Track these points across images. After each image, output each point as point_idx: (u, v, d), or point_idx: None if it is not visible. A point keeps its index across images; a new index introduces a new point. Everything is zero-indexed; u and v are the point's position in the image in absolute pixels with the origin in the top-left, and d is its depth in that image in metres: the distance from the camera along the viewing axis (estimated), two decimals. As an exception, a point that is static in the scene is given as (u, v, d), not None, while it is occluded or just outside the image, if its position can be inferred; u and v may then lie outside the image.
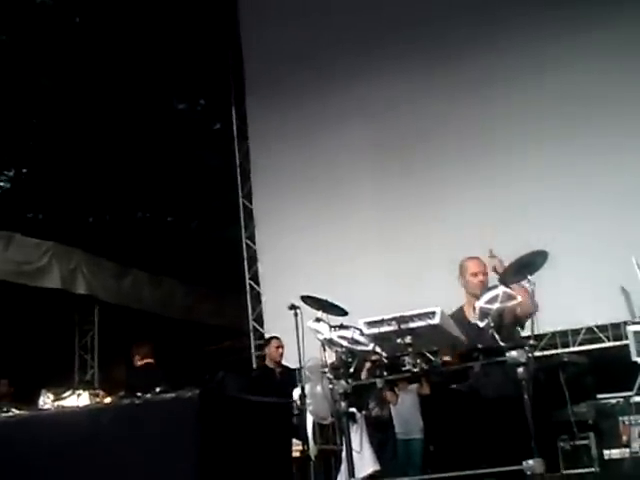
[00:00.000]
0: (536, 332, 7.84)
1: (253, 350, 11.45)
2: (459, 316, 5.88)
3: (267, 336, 10.22)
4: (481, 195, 10.07)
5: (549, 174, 9.80)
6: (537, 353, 8.67)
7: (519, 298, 5.25)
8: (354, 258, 10.51)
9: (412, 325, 5.19)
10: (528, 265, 5.34)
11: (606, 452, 6.76)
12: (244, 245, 11.77)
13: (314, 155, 11.23)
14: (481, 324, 5.27)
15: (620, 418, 6.86)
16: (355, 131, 10.97)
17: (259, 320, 11.48)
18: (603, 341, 8.95)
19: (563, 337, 9.34)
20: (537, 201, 9.73)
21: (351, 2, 11.22)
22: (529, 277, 5.33)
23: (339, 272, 10.38)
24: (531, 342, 5.21)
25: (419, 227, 10.31)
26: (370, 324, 5.37)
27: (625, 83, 9.67)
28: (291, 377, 8.54)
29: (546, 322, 8.52)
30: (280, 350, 8.93)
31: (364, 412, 7.00)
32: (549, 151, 9.88)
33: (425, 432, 7.09)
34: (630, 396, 6.39)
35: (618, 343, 6.73)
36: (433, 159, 10.49)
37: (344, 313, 6.04)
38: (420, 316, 5.19)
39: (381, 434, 7.36)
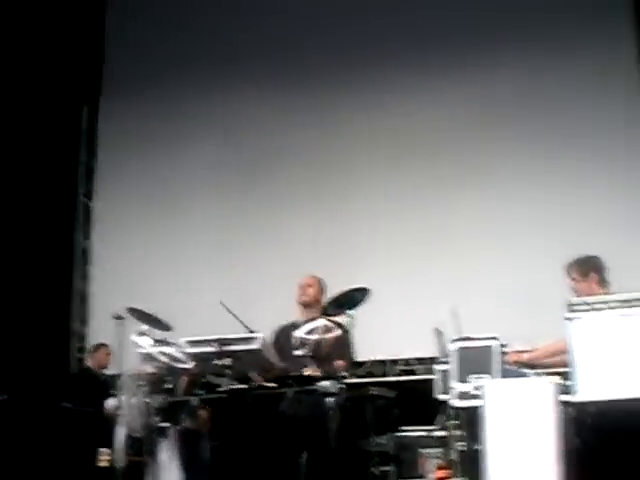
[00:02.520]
0: (358, 359, 8.35)
1: (74, 353, 11.24)
2: (289, 328, 6.18)
3: (94, 342, 10.10)
4: (316, 218, 10.35)
5: (379, 209, 10.14)
6: (354, 380, 9.14)
7: (338, 332, 5.55)
8: (189, 273, 10.55)
9: (233, 348, 5.41)
10: (349, 300, 5.65)
11: (407, 484, 7.13)
12: (78, 245, 11.58)
13: (160, 165, 11.18)
14: (299, 353, 5.54)
15: (420, 450, 7.27)
16: (202, 144, 11.00)
17: (84, 324, 11.33)
18: (417, 374, 9.51)
19: (381, 366, 9.82)
20: (366, 235, 10.07)
21: (217, 18, 11.31)
22: (349, 311, 5.63)
23: (172, 286, 10.38)
24: (343, 374, 5.50)
25: (257, 245, 10.42)
26: (192, 343, 5.56)
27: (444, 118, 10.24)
28: (110, 385, 8.56)
29: (367, 350, 9.02)
30: (109, 357, 8.93)
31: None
32: (381, 186, 10.21)
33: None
34: (431, 430, 6.77)
35: (429, 377, 7.12)
36: (274, 177, 10.63)
37: (168, 329, 6.17)
38: (241, 340, 5.41)
39: (191, 447, 7.43)
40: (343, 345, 6.02)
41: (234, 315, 6.02)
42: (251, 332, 5.72)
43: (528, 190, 9.68)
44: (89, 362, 9.44)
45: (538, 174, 9.72)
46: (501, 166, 9.91)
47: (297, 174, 10.57)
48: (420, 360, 9.54)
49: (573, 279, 6.07)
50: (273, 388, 5.61)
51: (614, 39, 9.77)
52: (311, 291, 6.47)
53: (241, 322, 5.98)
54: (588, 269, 6.06)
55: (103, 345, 9.08)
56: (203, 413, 6.41)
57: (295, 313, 6.57)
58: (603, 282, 6.04)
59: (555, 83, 9.92)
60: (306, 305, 6.47)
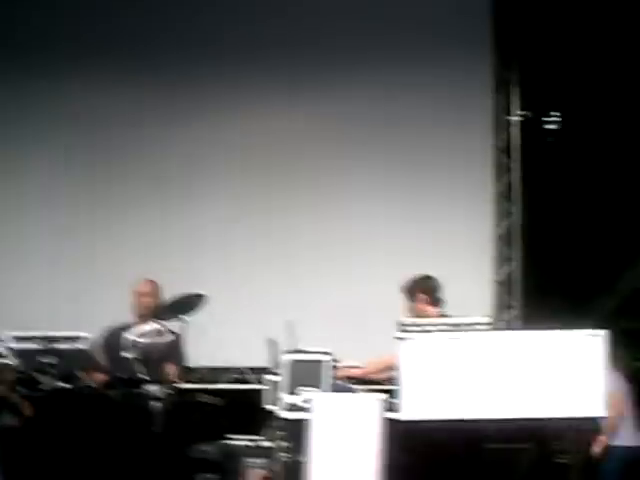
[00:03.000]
0: (191, 365, 8.29)
1: None
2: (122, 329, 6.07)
3: None
4: (155, 220, 10.12)
5: (221, 216, 10.03)
6: (184, 386, 9.09)
7: (170, 337, 5.51)
8: (22, 269, 10.11)
9: (59, 346, 5.29)
10: (184, 305, 5.62)
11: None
12: None
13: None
14: (129, 355, 5.47)
15: (245, 459, 7.27)
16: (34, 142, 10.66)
17: None
18: (249, 383, 9.50)
19: (214, 374, 9.71)
20: (205, 241, 9.95)
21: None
22: (183, 317, 5.60)
23: (3, 281, 9.99)
24: (173, 379, 5.46)
25: (91, 244, 10.11)
26: (17, 339, 5.41)
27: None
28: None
29: (201, 357, 8.98)
30: None
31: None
32: (224, 193, 10.14)
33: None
34: (257, 440, 6.77)
35: (259, 387, 7.14)
36: (111, 176, 10.32)
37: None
38: (68, 338, 5.30)
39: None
40: (174, 350, 5.98)
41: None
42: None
43: (368, 208, 9.82)
44: None
45: (378, 193, 9.87)
46: (342, 184, 9.97)
47: (136, 173, 10.32)
48: (253, 370, 9.57)
49: (410, 299, 6.23)
50: (99, 389, 5.52)
51: (471, 67, 9.98)
52: (145, 301, 6.41)
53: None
54: (416, 290, 6.24)
55: None
56: (26, 410, 6.26)
57: (127, 315, 6.48)
58: (435, 302, 6.22)
59: (409, 104, 10.07)
60: (141, 315, 6.41)
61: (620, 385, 8.26)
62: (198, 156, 10.26)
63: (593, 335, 5.08)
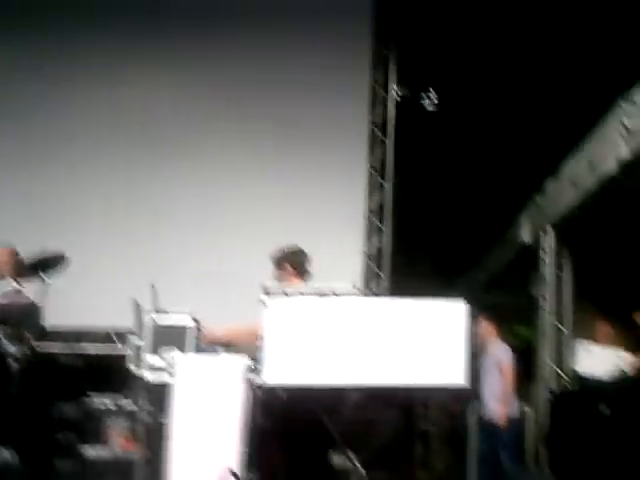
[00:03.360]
0: (55, 325, 8.16)
1: None
2: None
3: None
4: (21, 178, 9.98)
5: (89, 176, 9.98)
6: (46, 347, 8.99)
7: (30, 296, 5.45)
8: None
9: None
10: (44, 265, 5.55)
11: (89, 450, 7.09)
12: None
13: None
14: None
15: (107, 420, 7.27)
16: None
17: None
18: (113, 344, 9.42)
19: (77, 336, 9.55)
20: (69, 201, 9.87)
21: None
22: (44, 275, 5.54)
23: None
24: (31, 339, 5.40)
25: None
26: None
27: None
28: None
29: (65, 318, 8.88)
30: None
31: None
32: (94, 154, 10.06)
33: None
34: (120, 401, 6.78)
35: (123, 349, 7.10)
36: None
37: None
38: None
39: None
40: (34, 310, 5.88)
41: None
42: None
43: (241, 177, 9.90)
44: None
45: (252, 162, 9.94)
46: (215, 152, 10.03)
47: (7, 129, 10.12)
48: (116, 332, 9.53)
49: (279, 269, 6.29)
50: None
51: (351, 43, 10.18)
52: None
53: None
54: (283, 261, 6.30)
55: None
56: None
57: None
58: (301, 274, 6.29)
59: (286, 77, 10.19)
60: None
61: (509, 356, 8.60)
62: (62, 118, 10.13)
63: (455, 306, 5.20)
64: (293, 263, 6.28)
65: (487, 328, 8.71)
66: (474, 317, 5.29)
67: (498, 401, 8.22)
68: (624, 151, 7.66)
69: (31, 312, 5.81)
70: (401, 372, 5.11)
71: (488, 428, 8.44)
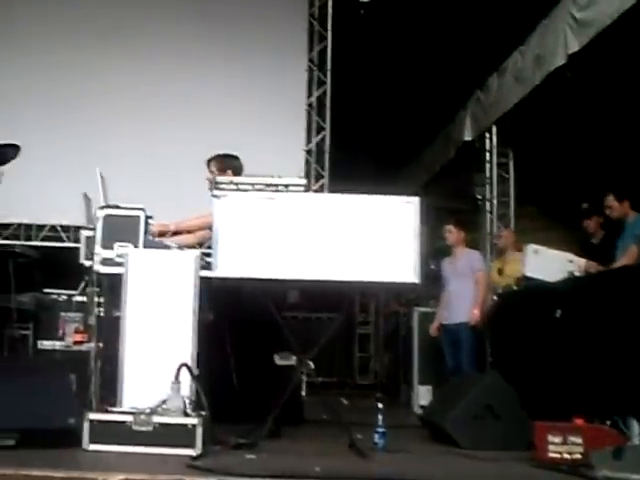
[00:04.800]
0: (4, 221, 8.13)
1: None
2: None
3: None
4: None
5: (39, 67, 9.98)
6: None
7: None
8: None
9: None
10: (-3, 155, 5.54)
11: (43, 342, 7.18)
12: None
13: None
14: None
15: (61, 314, 7.35)
16: None
17: None
18: (64, 240, 9.54)
19: (27, 230, 9.72)
20: (21, 92, 9.88)
21: None
22: (-2, 167, 5.54)
23: None
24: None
25: None
26: None
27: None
28: None
29: (15, 213, 8.87)
30: None
31: None
32: (42, 43, 10.04)
33: None
34: (73, 295, 6.84)
35: (74, 245, 7.14)
36: None
37: None
38: None
39: None
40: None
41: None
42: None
43: (188, 70, 10.00)
44: None
45: (197, 56, 10.05)
46: (165, 45, 10.09)
47: None
48: (65, 228, 9.58)
49: (211, 172, 6.31)
50: None
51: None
52: None
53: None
54: (228, 166, 6.33)
55: None
56: None
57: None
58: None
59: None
60: None
61: (483, 263, 8.66)
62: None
63: (406, 202, 5.20)
64: (231, 169, 6.31)
65: (456, 234, 8.54)
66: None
67: (473, 305, 8.18)
68: (573, 44, 7.66)
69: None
70: (351, 267, 5.14)
71: (452, 337, 8.38)
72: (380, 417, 5.38)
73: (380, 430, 5.35)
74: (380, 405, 5.50)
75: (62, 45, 9.94)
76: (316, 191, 9.95)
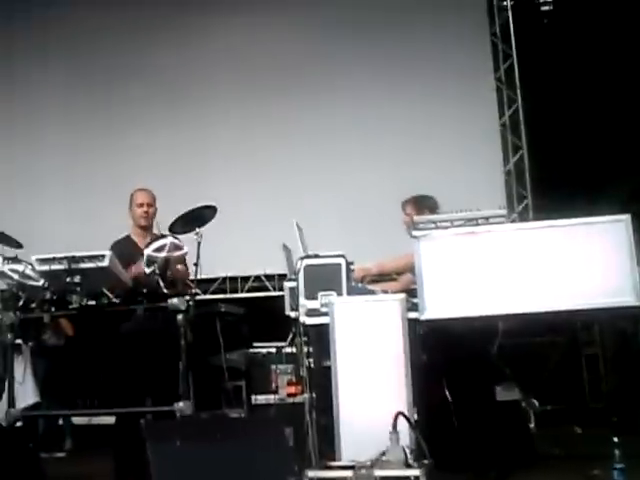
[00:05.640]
0: (210, 276, 8.34)
1: None
2: (128, 244, 6.21)
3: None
4: (166, 135, 10.34)
5: (231, 130, 10.25)
6: (204, 296, 9.23)
7: (186, 249, 5.55)
8: (40, 191, 10.44)
9: (82, 265, 5.37)
10: (197, 218, 5.68)
11: (257, 397, 7.26)
12: None
13: (10, 81, 10.87)
14: (147, 270, 5.52)
15: (272, 366, 7.41)
16: (50, 61, 10.78)
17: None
18: (269, 290, 9.71)
19: (233, 283, 10.00)
20: (216, 154, 10.21)
21: None
22: (197, 229, 5.65)
23: (22, 205, 10.24)
24: (193, 291, 5.52)
25: (99, 163, 10.32)
26: (42, 261, 5.48)
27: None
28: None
29: (218, 267, 9.09)
30: None
31: (31, 344, 7.05)
32: (233, 105, 10.30)
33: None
34: (283, 346, 6.86)
35: (279, 294, 7.20)
36: (125, 97, 10.56)
37: (18, 246, 6.12)
38: (90, 258, 5.36)
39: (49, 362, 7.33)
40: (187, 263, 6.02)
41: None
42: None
43: (376, 111, 9.93)
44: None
45: (385, 95, 9.96)
46: (349, 87, 10.08)
47: (144, 94, 10.50)
48: (269, 277, 9.74)
49: (408, 214, 6.19)
50: (123, 305, 5.59)
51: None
52: (150, 211, 6.41)
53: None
54: (424, 207, 6.19)
55: None
56: (66, 327, 6.34)
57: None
58: None
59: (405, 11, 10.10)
60: (144, 227, 6.46)
61: None
62: (200, 72, 10.45)
63: (615, 221, 4.98)
64: (429, 209, 6.17)
65: None
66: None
67: None
68: None
69: (187, 264, 5.94)
70: (564, 296, 4.92)
71: None
72: (617, 452, 5.03)
73: (618, 466, 5.00)
74: (615, 439, 5.14)
75: (251, 104, 10.21)
76: (520, 213, 9.70)
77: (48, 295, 5.67)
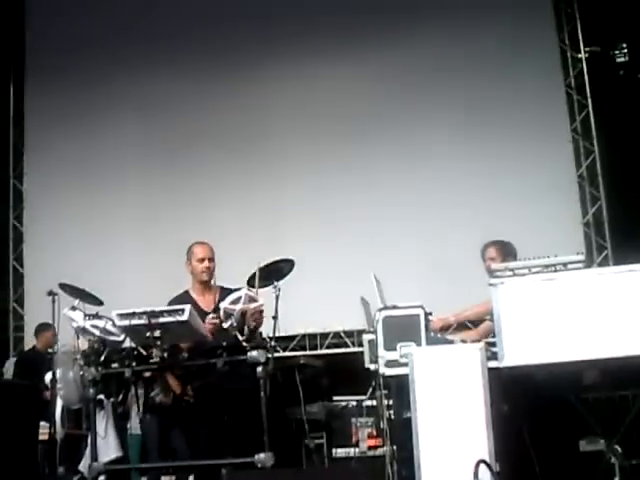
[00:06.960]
0: (289, 333, 8.39)
1: (12, 331, 11.31)
2: (187, 301, 6.10)
3: (30, 320, 10.31)
4: (239, 193, 10.59)
5: (306, 185, 10.44)
6: (283, 353, 9.27)
7: (261, 301, 5.61)
8: (118, 249, 10.70)
9: (162, 320, 5.45)
10: (275, 272, 5.73)
11: (338, 450, 7.24)
12: (11, 225, 11.59)
13: (88, 143, 11.21)
14: (225, 325, 5.59)
15: (352, 419, 7.38)
16: (127, 123, 11.12)
17: (20, 302, 11.34)
18: (348, 345, 9.70)
19: (312, 340, 10.01)
20: (291, 209, 10.39)
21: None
22: (276, 283, 5.71)
23: (102, 262, 10.48)
24: (272, 343, 5.56)
25: (181, 220, 10.49)
26: (122, 316, 5.59)
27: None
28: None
29: (297, 324, 9.15)
30: (55, 337, 8.82)
31: (112, 400, 7.16)
32: (305, 159, 10.51)
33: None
34: (363, 399, 6.85)
35: (359, 349, 7.19)
36: (196, 155, 10.83)
37: (99, 303, 6.22)
38: (170, 312, 5.45)
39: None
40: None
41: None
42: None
43: (450, 163, 10.01)
44: (36, 343, 9.39)
45: (458, 147, 10.04)
46: (425, 138, 10.16)
47: (219, 152, 10.74)
48: (349, 333, 9.78)
49: (491, 259, 6.17)
50: (203, 358, 5.67)
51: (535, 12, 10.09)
52: (211, 266, 6.42)
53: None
54: (508, 253, 6.18)
55: (48, 325, 8.97)
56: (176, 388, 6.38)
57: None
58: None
59: (474, 54, 10.27)
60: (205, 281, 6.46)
61: None
62: (276, 124, 10.61)
63: None
64: (511, 255, 6.15)
65: None
66: None
67: None
68: None
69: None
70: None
71: None
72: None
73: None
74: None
75: (327, 156, 10.39)
76: (600, 264, 9.57)
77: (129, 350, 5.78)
